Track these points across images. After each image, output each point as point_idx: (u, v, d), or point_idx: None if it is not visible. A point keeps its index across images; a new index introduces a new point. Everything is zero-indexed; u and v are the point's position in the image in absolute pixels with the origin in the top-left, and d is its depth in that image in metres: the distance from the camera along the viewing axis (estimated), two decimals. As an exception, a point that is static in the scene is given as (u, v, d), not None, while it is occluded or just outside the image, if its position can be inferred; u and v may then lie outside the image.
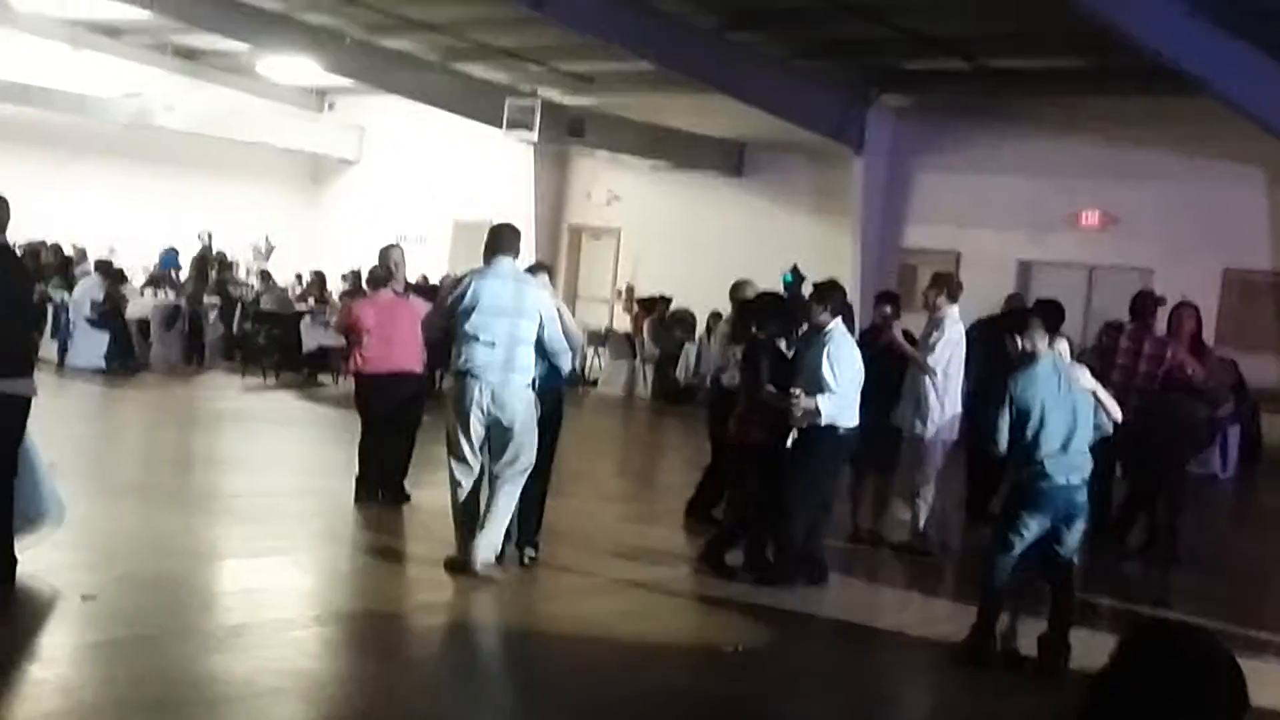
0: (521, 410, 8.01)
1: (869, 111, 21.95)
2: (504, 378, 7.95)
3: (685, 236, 24.17)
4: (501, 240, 8.22)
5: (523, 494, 8.15)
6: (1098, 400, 7.37)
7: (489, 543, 7.99)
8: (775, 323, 8.74)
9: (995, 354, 9.95)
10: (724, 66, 20.06)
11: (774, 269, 22.30)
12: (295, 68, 23.63)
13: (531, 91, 23.07)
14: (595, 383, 21.11)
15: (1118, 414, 7.50)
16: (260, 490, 10.90)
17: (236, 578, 8.24)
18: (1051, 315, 10.11)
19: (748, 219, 23.62)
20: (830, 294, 8.80)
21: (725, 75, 20.20)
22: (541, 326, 8.05)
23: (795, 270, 21.48)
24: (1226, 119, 17.51)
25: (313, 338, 19.14)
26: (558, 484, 9.37)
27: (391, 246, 10.85)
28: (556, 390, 8.61)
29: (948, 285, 9.86)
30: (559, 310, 8.33)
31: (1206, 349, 11.53)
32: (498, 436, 7.99)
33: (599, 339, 21.91)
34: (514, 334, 7.97)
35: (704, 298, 22.23)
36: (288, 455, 13.28)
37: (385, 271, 10.54)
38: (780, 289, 21.34)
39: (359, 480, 10.30)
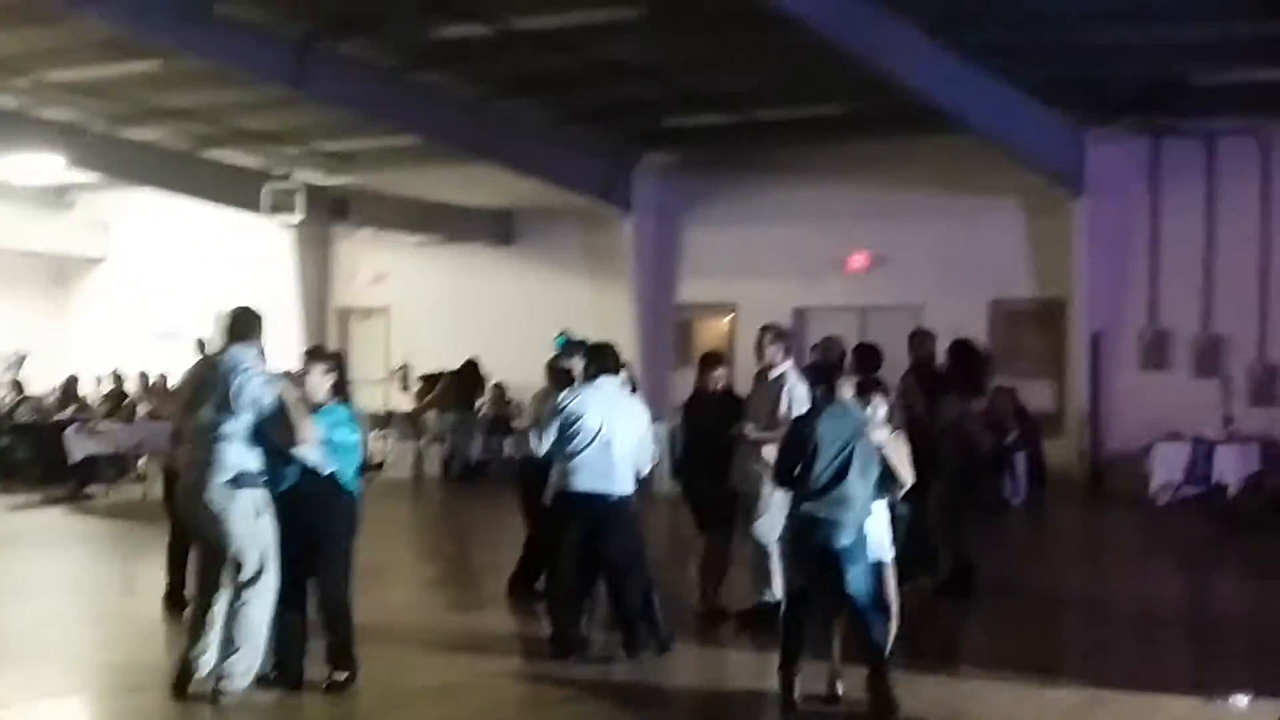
0: (231, 515, 7.23)
1: (635, 171, 21.99)
2: (199, 478, 7.27)
3: (458, 310, 23.76)
4: (236, 326, 7.57)
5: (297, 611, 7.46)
6: (886, 462, 7.32)
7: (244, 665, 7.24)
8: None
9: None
10: (488, 135, 19.85)
11: (552, 333, 22.19)
12: (35, 166, 22.42)
13: (288, 174, 22.45)
14: (380, 466, 20.48)
15: (907, 478, 7.42)
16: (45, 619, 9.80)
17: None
18: (867, 359, 10.19)
19: (520, 288, 23.35)
20: (599, 355, 8.70)
21: (490, 144, 20.00)
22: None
23: (565, 335, 21.32)
24: (982, 155, 18.08)
25: (79, 447, 18.08)
26: (366, 579, 8.91)
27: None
28: (324, 491, 7.48)
29: (784, 338, 9.49)
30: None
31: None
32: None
33: (380, 422, 21.37)
34: (211, 428, 7.27)
35: (487, 368, 22.02)
36: (76, 576, 12.37)
37: None
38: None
39: (168, 592, 9.63)
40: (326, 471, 7.44)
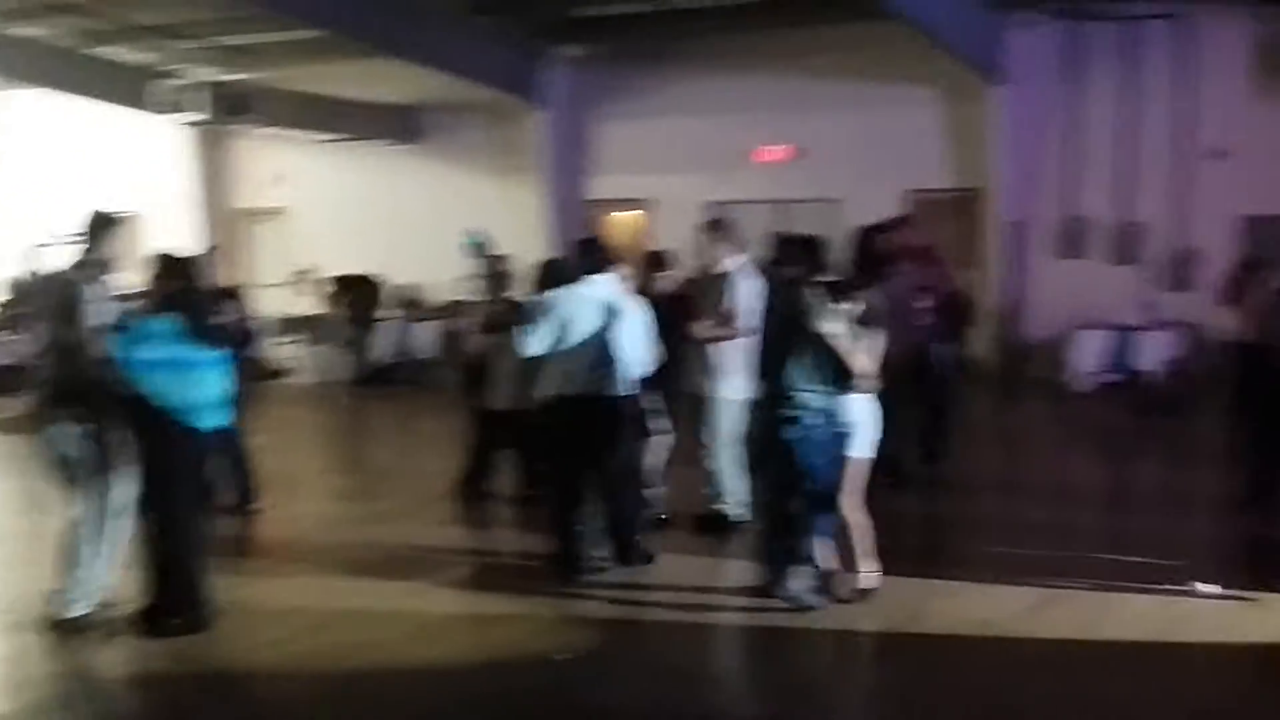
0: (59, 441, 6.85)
1: (544, 64, 21.40)
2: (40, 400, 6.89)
3: (362, 211, 23.14)
4: (84, 232, 7.06)
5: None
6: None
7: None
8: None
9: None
10: (392, 28, 19.08)
11: (458, 234, 21.70)
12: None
13: (183, 71, 21.55)
14: (277, 374, 19.89)
15: (859, 368, 7.07)
16: None
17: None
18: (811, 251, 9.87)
19: (427, 186, 22.78)
20: (590, 251, 8.33)
21: (394, 37, 19.20)
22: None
23: (475, 233, 20.87)
24: (899, 43, 17.74)
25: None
26: (275, 493, 8.59)
27: None
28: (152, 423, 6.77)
29: (727, 234, 9.02)
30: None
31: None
32: None
33: (283, 326, 20.81)
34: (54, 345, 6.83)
35: (390, 271, 21.46)
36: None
37: None
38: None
39: None
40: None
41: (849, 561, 7.35)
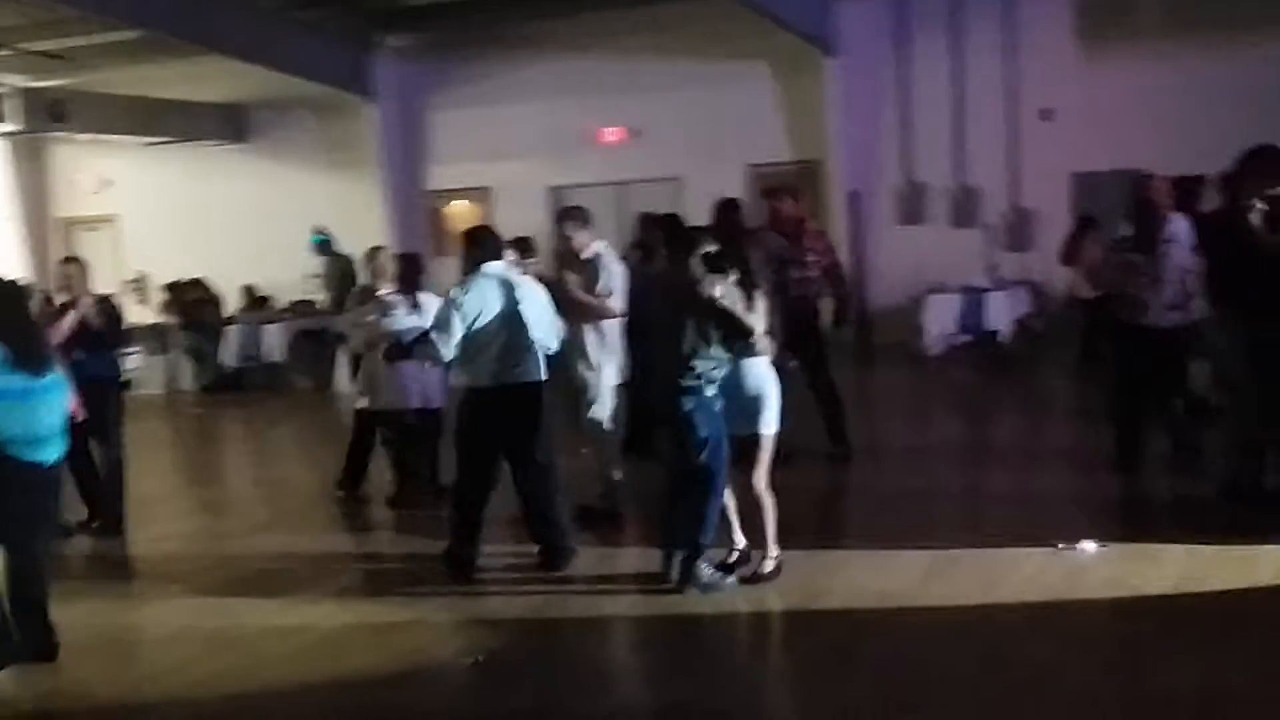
0: None
1: (375, 56, 21.07)
2: None
3: (193, 214, 22.59)
4: None
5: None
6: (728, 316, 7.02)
7: None
8: None
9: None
10: (215, 24, 18.57)
11: (295, 233, 21.29)
12: None
13: (-7, 78, 20.74)
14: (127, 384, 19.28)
15: (750, 328, 7.01)
16: None
17: None
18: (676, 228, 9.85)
19: (260, 185, 22.33)
20: (479, 241, 8.02)
21: (216, 34, 18.71)
22: None
23: (320, 230, 20.51)
24: (729, 19, 17.89)
25: None
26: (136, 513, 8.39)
27: None
28: None
29: (588, 221, 8.96)
30: None
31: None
32: None
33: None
34: None
35: (226, 274, 20.93)
36: None
37: None
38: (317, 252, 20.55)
39: None
40: None
41: (755, 540, 7.35)
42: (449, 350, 7.59)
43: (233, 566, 8.60)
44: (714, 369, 6.98)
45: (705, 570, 7.13)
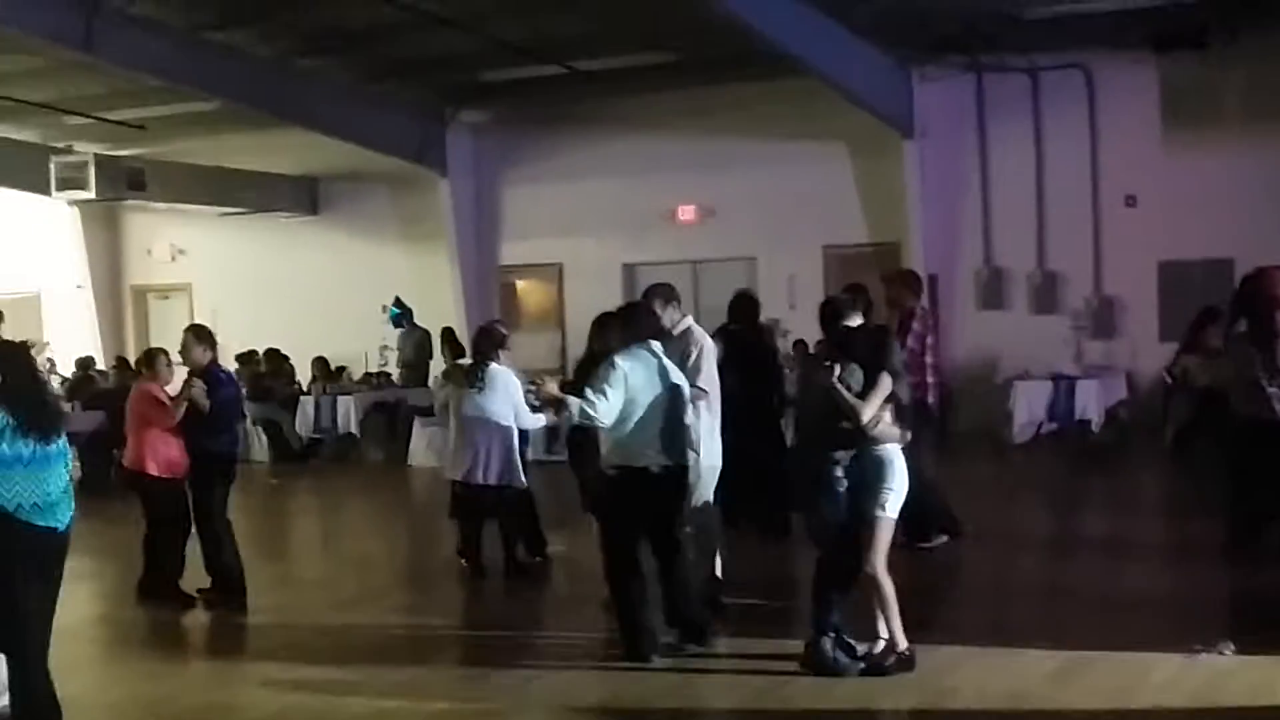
0: None
1: (448, 130, 21.09)
2: None
3: (264, 284, 22.59)
4: None
5: None
6: None
7: None
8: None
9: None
10: (289, 97, 18.66)
11: (366, 305, 21.28)
12: None
13: (70, 147, 20.84)
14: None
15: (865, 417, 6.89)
16: None
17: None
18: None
19: (330, 257, 22.32)
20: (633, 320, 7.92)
21: (292, 107, 18.78)
22: None
23: (399, 302, 20.48)
24: (805, 100, 17.81)
25: None
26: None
27: None
28: None
29: (675, 295, 8.62)
30: None
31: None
32: None
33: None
34: None
35: (298, 346, 20.83)
36: None
37: None
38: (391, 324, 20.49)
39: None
40: None
41: (874, 627, 7.08)
42: (606, 416, 7.37)
43: (327, 642, 8.40)
44: (842, 455, 6.77)
45: (829, 652, 6.92)
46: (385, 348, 20.81)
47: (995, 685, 6.81)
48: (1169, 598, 8.68)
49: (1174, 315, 17.21)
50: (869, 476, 6.92)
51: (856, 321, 7.36)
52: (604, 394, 7.33)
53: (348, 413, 18.77)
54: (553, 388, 7.60)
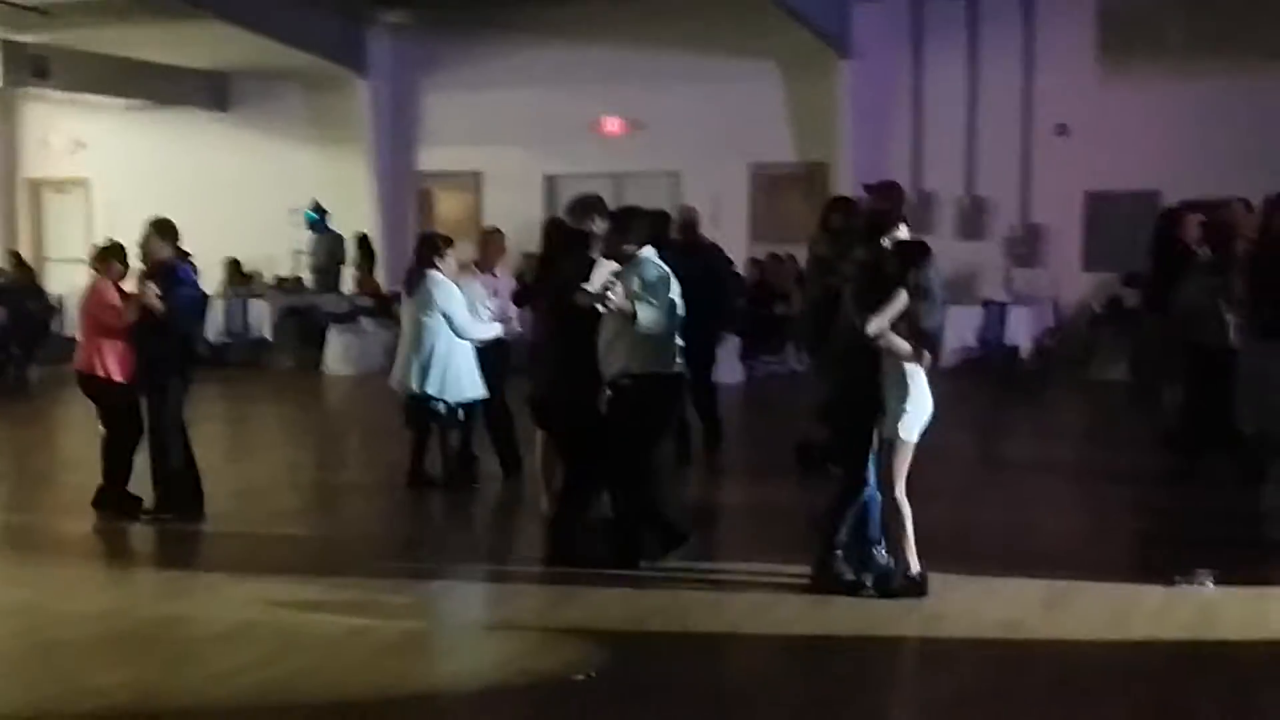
0: None
1: (368, 30, 20.43)
2: None
3: (169, 183, 21.71)
4: None
5: None
6: None
7: None
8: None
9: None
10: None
11: (275, 207, 20.65)
12: None
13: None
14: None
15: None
16: None
17: None
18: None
19: (240, 156, 21.56)
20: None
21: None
22: None
23: (316, 206, 19.91)
24: (738, 16, 17.50)
25: None
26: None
27: None
28: None
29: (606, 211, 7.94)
30: None
31: None
32: None
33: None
34: None
35: (203, 247, 20.10)
36: None
37: None
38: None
39: None
40: None
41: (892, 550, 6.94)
42: (661, 319, 7.24)
43: (283, 554, 8.07)
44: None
45: (842, 569, 6.90)
46: (299, 252, 20.22)
47: (988, 613, 6.69)
48: (1146, 528, 8.69)
49: (1098, 246, 17.37)
50: (887, 396, 6.72)
51: (903, 235, 7.03)
52: (662, 296, 7.24)
53: (260, 317, 18.23)
54: (621, 298, 7.23)
